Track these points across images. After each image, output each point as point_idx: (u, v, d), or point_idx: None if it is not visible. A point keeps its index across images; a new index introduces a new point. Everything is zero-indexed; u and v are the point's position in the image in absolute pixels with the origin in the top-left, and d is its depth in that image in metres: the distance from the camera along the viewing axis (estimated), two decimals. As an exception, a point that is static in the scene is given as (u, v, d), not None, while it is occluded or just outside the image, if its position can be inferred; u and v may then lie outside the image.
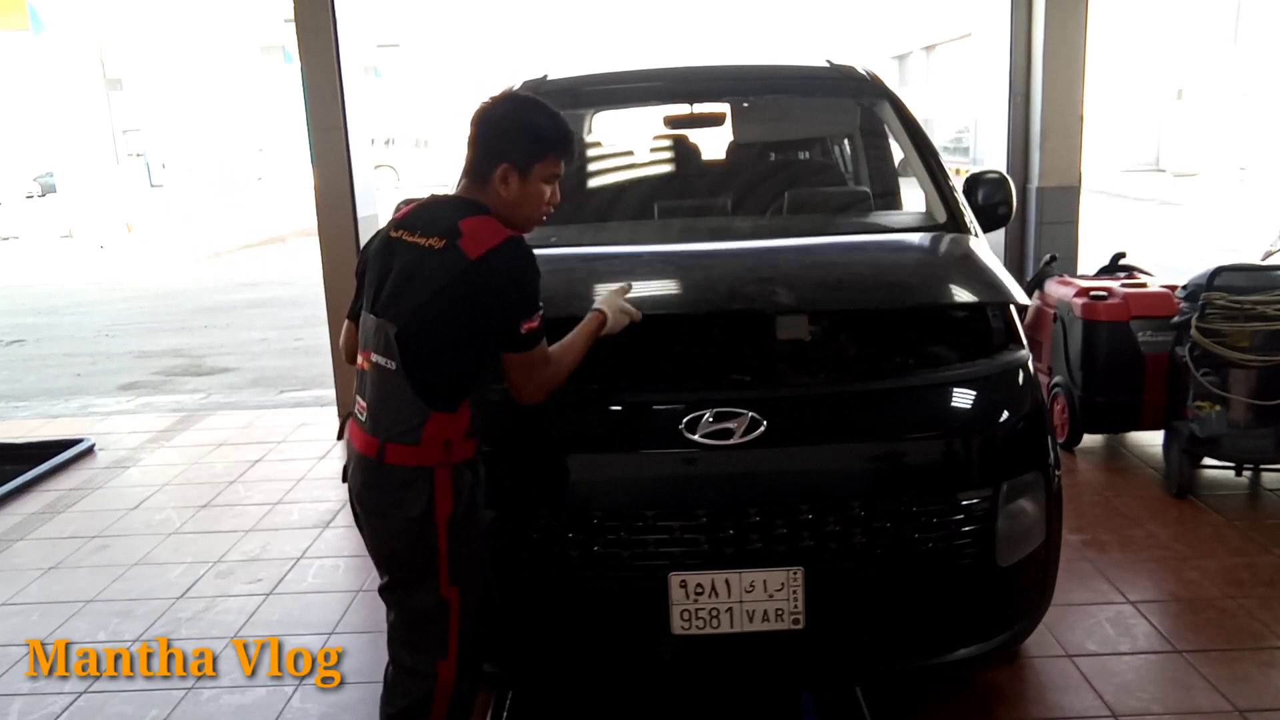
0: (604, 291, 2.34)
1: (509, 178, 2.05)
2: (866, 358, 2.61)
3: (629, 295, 2.34)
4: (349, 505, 2.18)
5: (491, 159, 2.05)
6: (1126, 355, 4.42)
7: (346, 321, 2.24)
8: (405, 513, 2.00)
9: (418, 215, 2.11)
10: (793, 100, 3.93)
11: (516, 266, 1.99)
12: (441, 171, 25.49)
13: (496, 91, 2.21)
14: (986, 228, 3.18)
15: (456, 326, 1.99)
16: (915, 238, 3.11)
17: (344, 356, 2.27)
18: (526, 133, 2.07)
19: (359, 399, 2.08)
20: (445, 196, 2.18)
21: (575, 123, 4.26)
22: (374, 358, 2.03)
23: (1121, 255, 5.13)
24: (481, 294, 1.97)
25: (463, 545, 2.06)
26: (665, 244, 3.07)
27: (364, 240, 5.64)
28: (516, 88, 3.51)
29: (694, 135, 4.25)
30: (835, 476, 2.38)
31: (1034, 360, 2.85)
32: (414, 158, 30.15)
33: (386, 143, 30.06)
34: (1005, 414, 2.50)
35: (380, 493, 2.03)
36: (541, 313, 2.04)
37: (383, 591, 2.15)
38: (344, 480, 2.17)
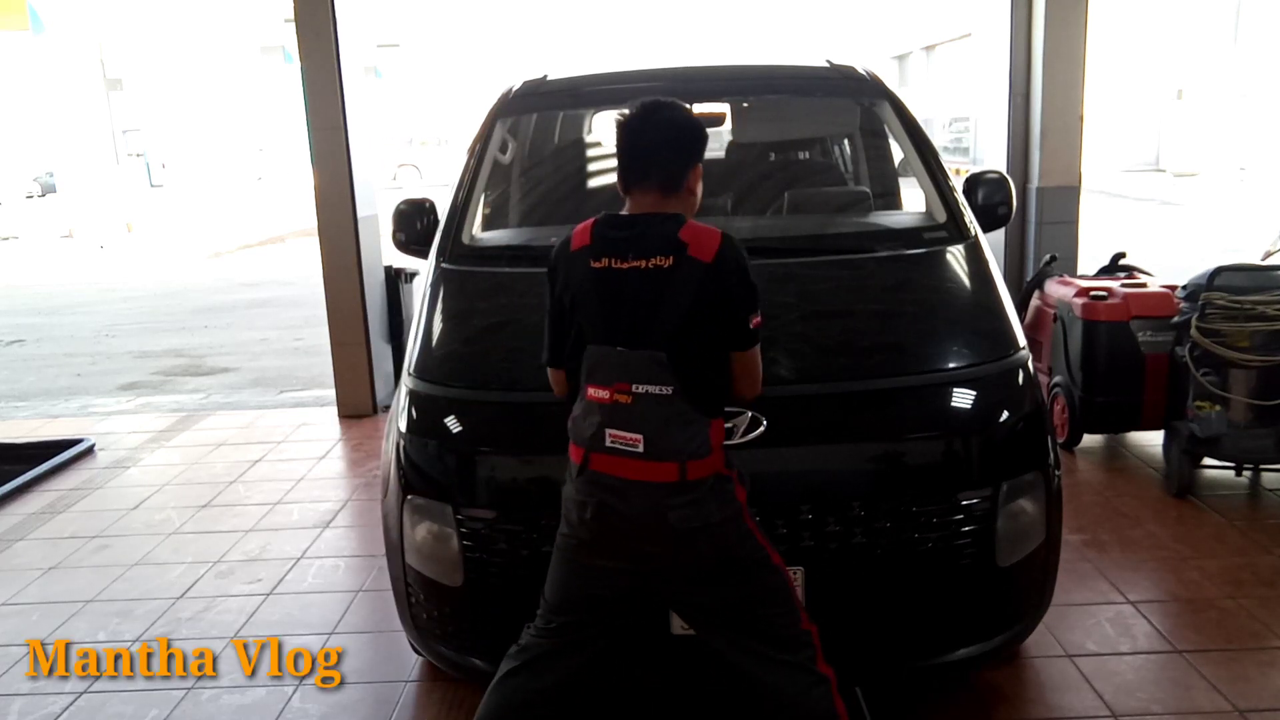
0: None
1: (700, 177, 2.15)
2: (867, 359, 2.61)
3: None
4: (587, 538, 2.05)
5: (686, 165, 2.11)
6: (1126, 355, 4.42)
7: (551, 370, 2.19)
8: (720, 514, 2.02)
9: (617, 240, 2.05)
10: (792, 100, 3.93)
11: (743, 261, 2.02)
12: (442, 171, 25.57)
13: (631, 111, 2.14)
14: (986, 228, 3.19)
15: (712, 333, 2.03)
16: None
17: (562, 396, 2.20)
18: (698, 131, 2.15)
19: (611, 430, 1.98)
20: (629, 216, 2.11)
21: (575, 123, 4.24)
22: (639, 388, 1.97)
23: (1121, 255, 5.13)
24: (724, 294, 2.01)
25: (759, 524, 2.13)
26: None
27: (364, 241, 5.65)
28: (517, 88, 3.51)
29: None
30: (835, 476, 2.38)
31: (1034, 360, 2.85)
32: (414, 156, 30.24)
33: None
34: (1005, 414, 2.50)
35: (690, 509, 2.00)
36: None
37: (727, 623, 2.09)
38: (587, 517, 2.03)
